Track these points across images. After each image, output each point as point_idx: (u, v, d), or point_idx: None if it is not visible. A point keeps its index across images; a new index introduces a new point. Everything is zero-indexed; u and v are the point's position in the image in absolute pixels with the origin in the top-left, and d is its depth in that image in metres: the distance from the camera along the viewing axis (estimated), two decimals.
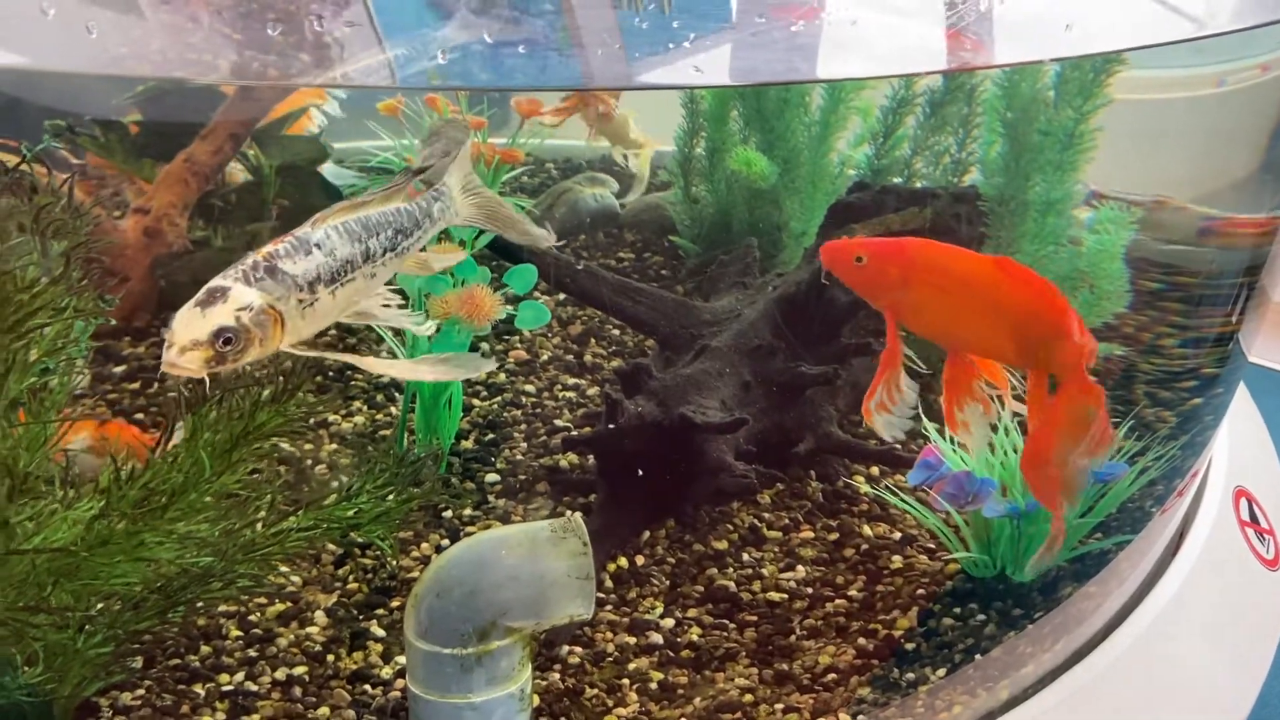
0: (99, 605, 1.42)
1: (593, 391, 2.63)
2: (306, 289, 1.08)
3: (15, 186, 1.37)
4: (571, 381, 2.67)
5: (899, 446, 2.21)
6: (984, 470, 1.68)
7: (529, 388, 2.61)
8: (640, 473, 2.02)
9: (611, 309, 2.46)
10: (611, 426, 2.00)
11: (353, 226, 1.15)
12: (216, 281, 1.07)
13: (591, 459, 2.25)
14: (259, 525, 1.53)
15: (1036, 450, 1.45)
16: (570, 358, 2.76)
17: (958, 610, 1.77)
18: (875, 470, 2.20)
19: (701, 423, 1.93)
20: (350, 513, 1.68)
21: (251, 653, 1.71)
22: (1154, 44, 1.41)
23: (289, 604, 1.82)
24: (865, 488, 2.14)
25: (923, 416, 1.87)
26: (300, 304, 1.08)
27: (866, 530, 2.01)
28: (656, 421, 1.98)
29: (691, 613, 1.85)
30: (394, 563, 1.89)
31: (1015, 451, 1.71)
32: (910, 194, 2.81)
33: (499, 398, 2.53)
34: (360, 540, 1.89)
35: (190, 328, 1.04)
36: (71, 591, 1.37)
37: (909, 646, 1.71)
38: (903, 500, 1.93)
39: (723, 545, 2.00)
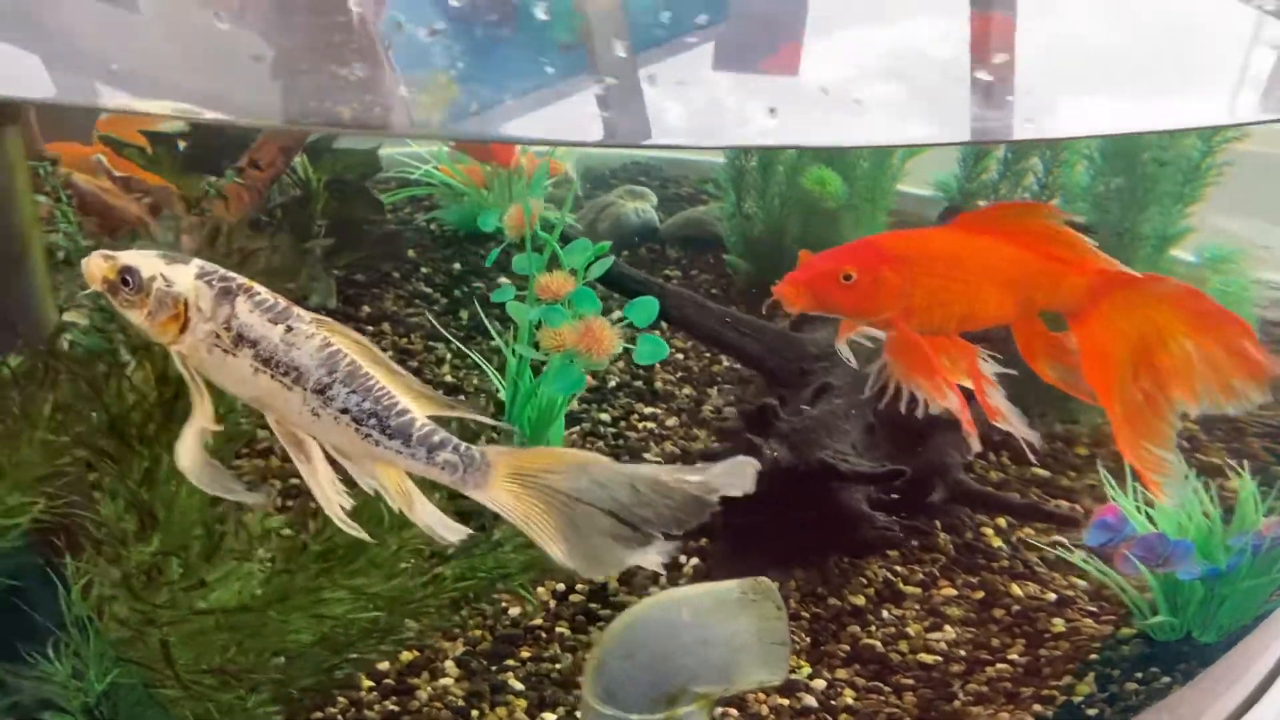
0: (269, 661, 1.39)
1: (672, 422, 2.62)
2: (232, 336, 1.07)
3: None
4: (648, 410, 2.66)
5: (1036, 498, 2.23)
6: (1175, 531, 1.69)
7: (604, 416, 2.60)
8: (769, 521, 2.02)
9: (719, 341, 2.46)
10: None
11: (337, 357, 1.08)
12: (198, 259, 1.12)
13: None
14: (415, 576, 1.51)
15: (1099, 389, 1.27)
16: (639, 384, 2.76)
17: (1139, 675, 1.79)
18: (1003, 522, 2.22)
19: (849, 472, 1.92)
20: (496, 563, 1.67)
21: (391, 705, 1.68)
22: None
23: (416, 652, 1.79)
24: (998, 542, 2.15)
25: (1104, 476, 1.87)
26: (215, 338, 1.07)
27: (1015, 590, 2.01)
28: (791, 467, 1.97)
29: (840, 673, 1.84)
30: (531, 607, 1.88)
31: (1206, 515, 1.73)
32: None
33: (576, 428, 2.52)
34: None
35: (129, 251, 1.09)
36: (246, 650, 1.34)
37: (1091, 713, 1.72)
38: (1090, 565, 1.92)
39: (860, 600, 2.00)
